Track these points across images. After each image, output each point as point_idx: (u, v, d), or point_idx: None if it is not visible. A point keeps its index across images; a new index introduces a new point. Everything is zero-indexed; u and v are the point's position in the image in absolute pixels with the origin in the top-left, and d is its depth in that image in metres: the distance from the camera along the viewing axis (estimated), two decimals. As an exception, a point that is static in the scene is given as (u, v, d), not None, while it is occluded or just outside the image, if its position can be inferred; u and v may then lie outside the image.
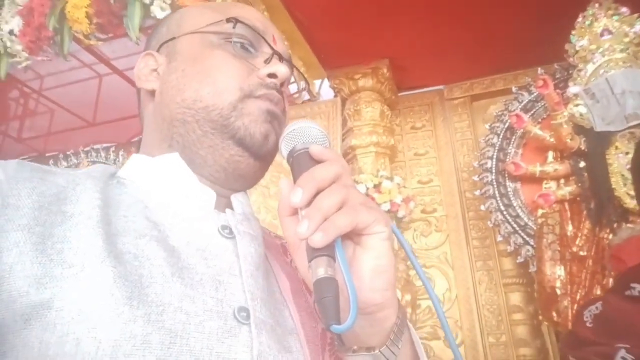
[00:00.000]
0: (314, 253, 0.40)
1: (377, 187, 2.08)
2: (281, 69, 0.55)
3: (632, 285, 0.83)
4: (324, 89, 2.45)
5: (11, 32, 1.86)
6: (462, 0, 1.79)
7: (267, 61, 0.56)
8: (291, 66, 0.61)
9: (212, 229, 0.51)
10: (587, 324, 0.82)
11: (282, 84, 0.57)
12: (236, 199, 0.56)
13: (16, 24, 1.85)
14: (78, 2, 1.81)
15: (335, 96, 2.39)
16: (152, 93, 0.58)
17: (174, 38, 0.58)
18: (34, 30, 1.85)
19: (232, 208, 0.55)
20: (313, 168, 0.44)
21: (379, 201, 2.06)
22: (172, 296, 0.42)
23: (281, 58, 0.59)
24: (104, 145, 2.78)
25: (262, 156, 0.55)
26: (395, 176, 2.18)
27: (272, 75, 0.55)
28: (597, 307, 0.84)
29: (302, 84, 0.72)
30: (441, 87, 2.44)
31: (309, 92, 2.36)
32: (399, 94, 2.48)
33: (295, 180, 0.46)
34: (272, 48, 0.58)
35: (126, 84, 2.52)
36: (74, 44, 1.98)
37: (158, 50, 0.59)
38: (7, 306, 0.38)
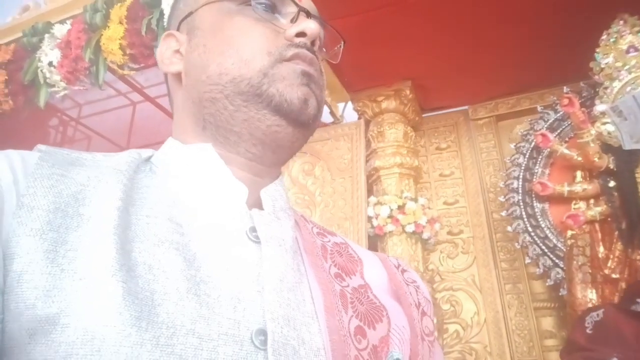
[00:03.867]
0: None
1: (401, 208, 2.07)
2: (309, 26, 0.51)
3: (638, 300, 0.82)
4: (348, 111, 2.47)
5: (50, 64, 1.99)
6: (484, 20, 1.79)
7: (294, 20, 0.52)
8: (321, 22, 0.57)
9: (240, 231, 0.47)
10: (587, 330, 0.81)
11: (313, 43, 0.53)
12: (266, 193, 0.53)
13: (55, 56, 1.98)
14: (112, 34, 1.92)
15: (359, 118, 2.41)
16: (178, 76, 0.55)
17: (191, 13, 0.55)
18: (71, 62, 1.97)
19: (261, 203, 0.52)
20: None
21: (403, 223, 2.04)
22: (185, 316, 0.39)
23: (308, 14, 0.54)
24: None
25: (302, 123, 0.50)
26: (420, 197, 2.16)
27: (300, 34, 0.51)
28: (598, 314, 0.83)
29: (339, 47, 0.62)
30: (465, 107, 2.43)
31: (333, 114, 2.39)
32: (423, 115, 2.48)
33: None
34: (296, 4, 0.53)
35: (158, 111, 2.62)
36: (109, 74, 2.09)
37: (178, 29, 0.56)
38: (15, 318, 0.36)
